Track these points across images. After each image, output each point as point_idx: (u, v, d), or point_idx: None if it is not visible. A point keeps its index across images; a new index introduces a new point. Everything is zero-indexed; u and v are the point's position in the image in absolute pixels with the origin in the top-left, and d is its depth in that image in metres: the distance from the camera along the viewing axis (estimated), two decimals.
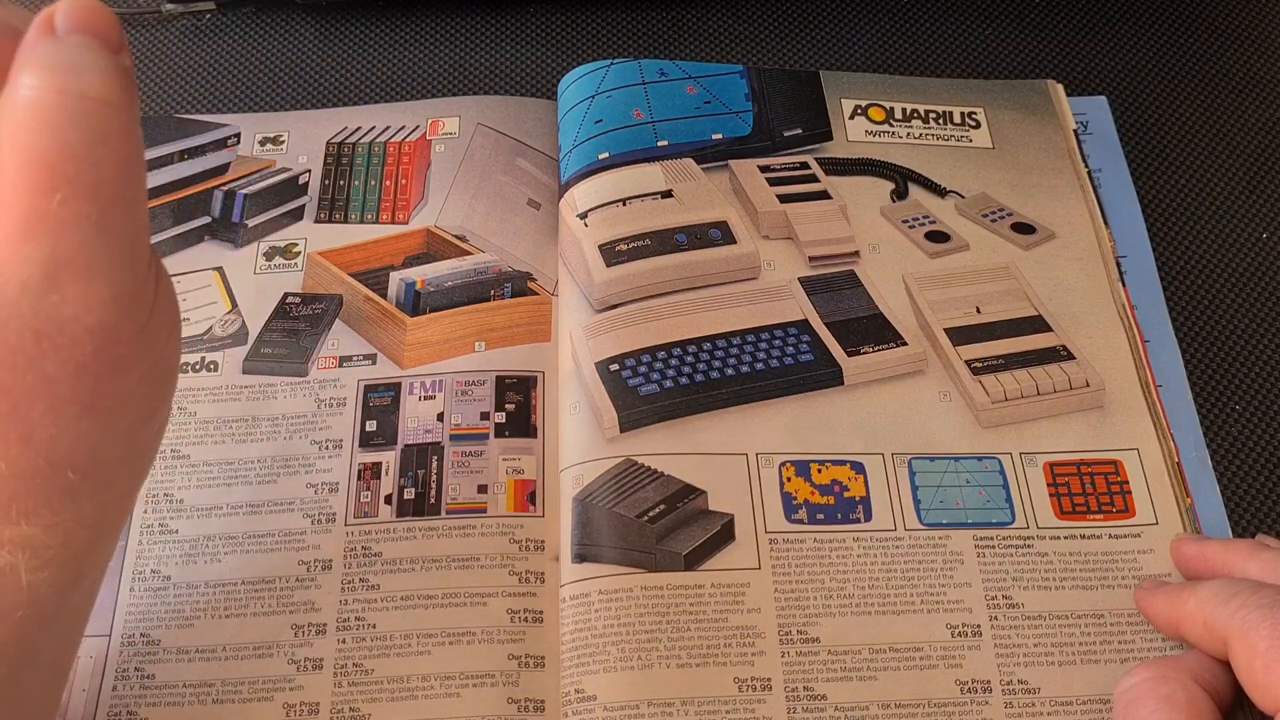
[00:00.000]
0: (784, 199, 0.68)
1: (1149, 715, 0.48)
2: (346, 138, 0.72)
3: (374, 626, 0.56)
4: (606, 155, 0.69)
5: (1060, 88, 0.74)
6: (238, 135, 0.73)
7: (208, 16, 0.80)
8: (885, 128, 0.72)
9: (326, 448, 0.61)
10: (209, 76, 0.77)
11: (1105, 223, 0.69)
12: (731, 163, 0.70)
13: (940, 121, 0.72)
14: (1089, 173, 0.70)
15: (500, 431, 0.62)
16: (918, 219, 0.69)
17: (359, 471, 0.61)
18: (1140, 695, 0.49)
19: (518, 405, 0.63)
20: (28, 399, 0.36)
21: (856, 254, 0.67)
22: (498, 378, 0.63)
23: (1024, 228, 0.68)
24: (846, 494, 0.59)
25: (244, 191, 0.70)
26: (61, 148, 0.36)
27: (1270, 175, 0.74)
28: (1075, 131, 0.72)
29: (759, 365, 0.63)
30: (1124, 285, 0.66)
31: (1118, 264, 0.67)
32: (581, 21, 0.80)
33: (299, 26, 0.80)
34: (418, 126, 0.73)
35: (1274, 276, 0.70)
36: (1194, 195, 0.73)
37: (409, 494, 0.60)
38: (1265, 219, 0.72)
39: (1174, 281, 0.69)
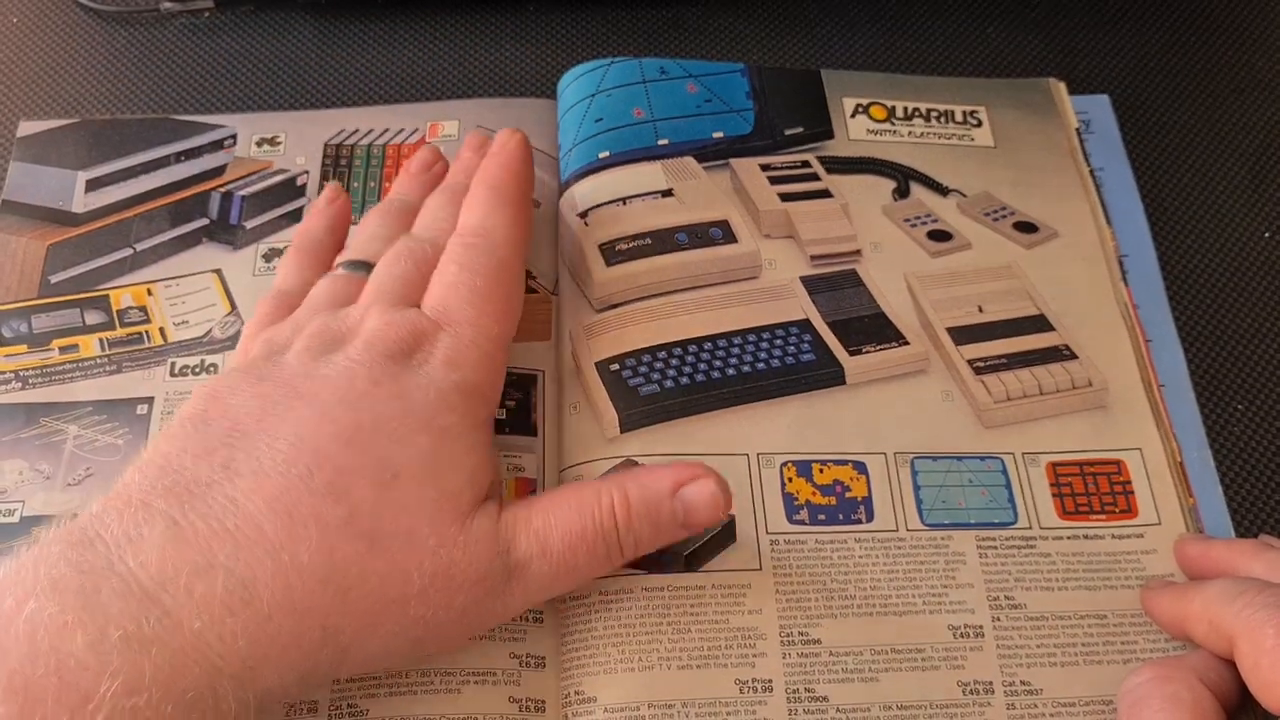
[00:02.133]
0: (785, 198, 0.68)
1: (1153, 715, 0.48)
2: (345, 140, 0.72)
3: None
4: (607, 154, 0.69)
5: (1062, 86, 0.74)
6: (234, 136, 0.73)
7: (206, 15, 0.80)
8: (887, 126, 0.72)
9: None
10: (206, 76, 0.77)
11: (1108, 221, 0.68)
12: (732, 161, 0.70)
13: (942, 120, 0.72)
14: (1091, 171, 0.70)
15: (500, 429, 0.61)
16: (919, 218, 0.68)
17: None
18: (1145, 695, 0.49)
19: (518, 403, 0.62)
20: None
21: (858, 253, 0.67)
22: None
23: (1026, 226, 0.68)
24: (848, 494, 0.59)
25: (241, 193, 0.70)
26: None
27: (1273, 174, 0.73)
28: (1077, 130, 0.72)
29: (760, 365, 0.62)
30: (1126, 285, 0.66)
31: (1120, 263, 0.67)
32: (581, 20, 0.79)
33: (298, 26, 0.79)
34: (416, 129, 0.73)
35: (1277, 276, 0.70)
36: (1197, 194, 0.73)
37: None
38: (1268, 218, 0.72)
39: (1177, 281, 0.69)
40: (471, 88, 0.76)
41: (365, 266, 0.59)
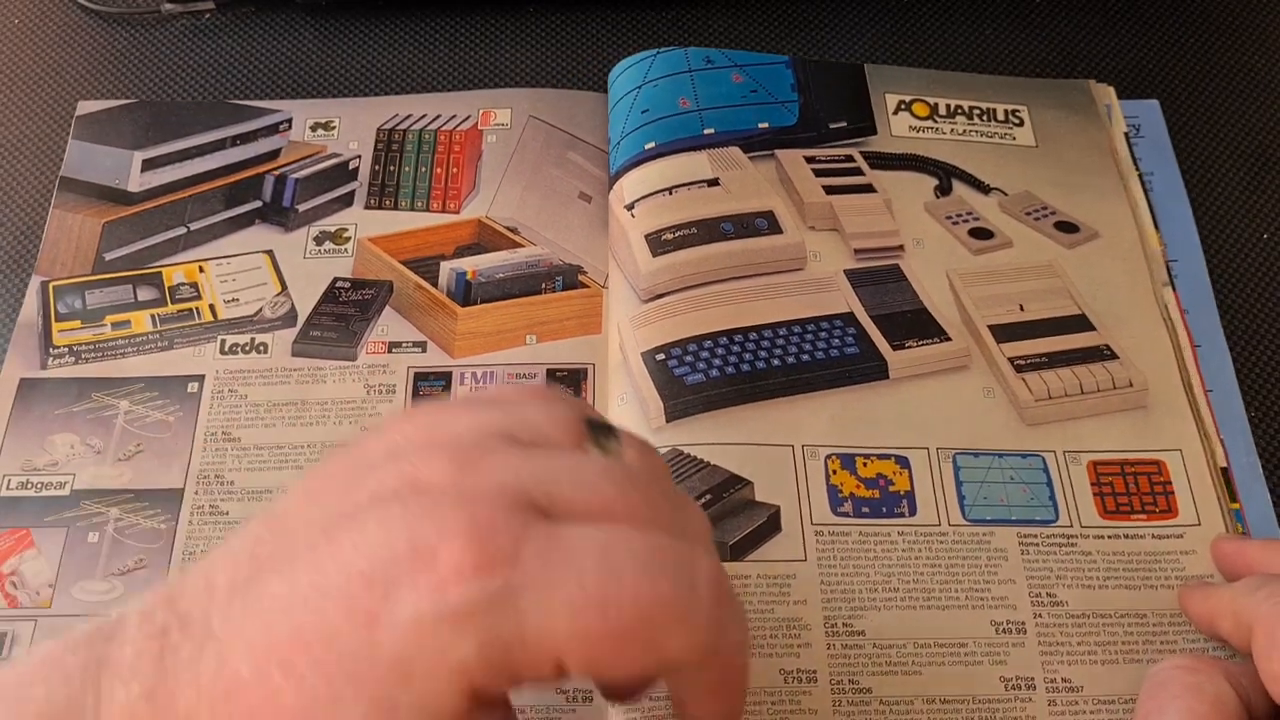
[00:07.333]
0: (829, 190, 0.69)
1: (1171, 699, 0.48)
2: (397, 125, 0.73)
3: None
4: (653, 145, 0.69)
5: (1105, 88, 0.75)
6: (289, 120, 0.73)
7: (207, 16, 0.80)
8: (929, 123, 0.72)
9: None
10: (207, 76, 0.77)
11: (1156, 226, 0.69)
12: (778, 152, 0.70)
13: (984, 119, 0.73)
14: (1140, 175, 0.71)
15: None
16: (961, 215, 0.69)
17: None
18: (1168, 679, 0.49)
19: None
20: None
21: (901, 248, 0.68)
22: (548, 370, 0.64)
23: (1067, 226, 0.69)
24: (891, 488, 0.60)
25: (295, 176, 0.71)
26: None
27: None
28: (1127, 134, 0.72)
29: (805, 356, 0.63)
30: (1174, 289, 0.67)
31: (1168, 267, 0.68)
32: (584, 19, 0.80)
33: (298, 27, 0.80)
34: (469, 116, 0.74)
35: None
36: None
37: None
38: None
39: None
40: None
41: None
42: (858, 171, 0.70)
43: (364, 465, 0.40)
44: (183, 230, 0.69)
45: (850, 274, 0.67)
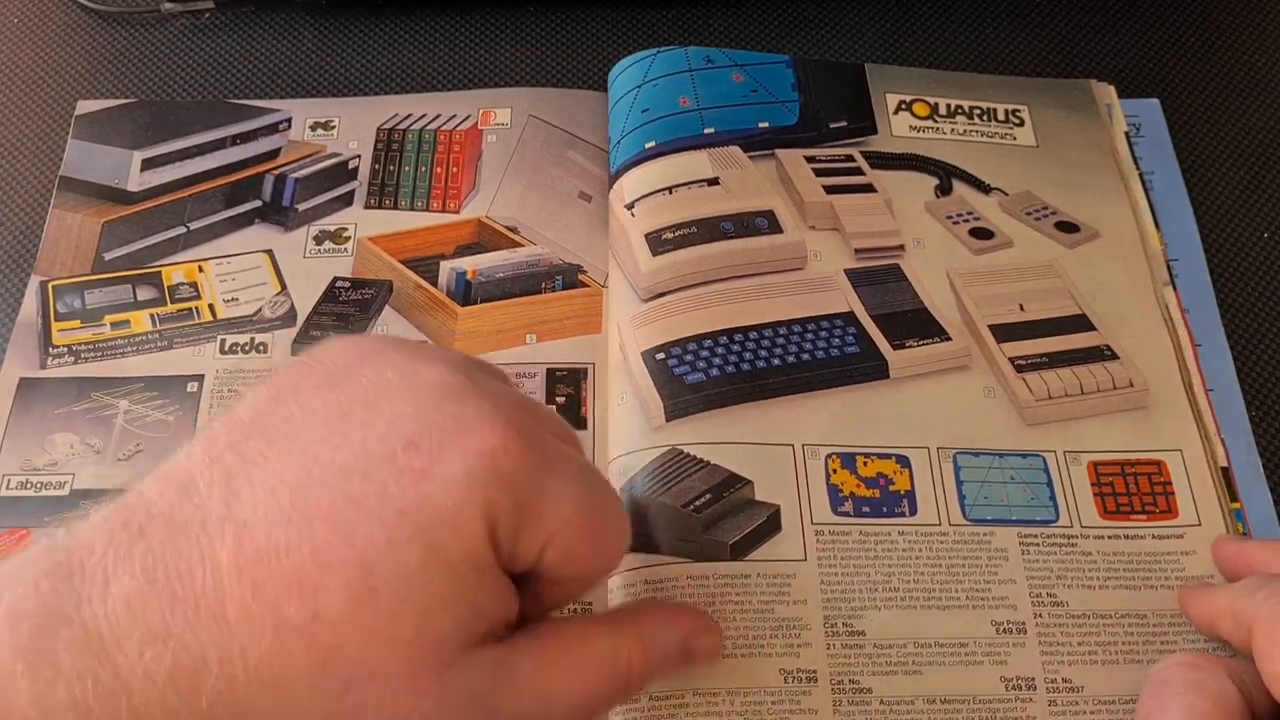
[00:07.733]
0: (830, 190, 0.69)
1: (1174, 696, 0.48)
2: (397, 124, 0.73)
3: None
4: (653, 144, 0.69)
5: (1105, 87, 0.75)
6: (289, 120, 0.73)
7: (206, 16, 0.80)
8: (929, 123, 0.72)
9: None
10: (207, 76, 0.77)
11: (1157, 225, 0.69)
12: (778, 152, 0.70)
13: (984, 118, 0.73)
14: (1141, 175, 0.71)
15: None
16: (962, 215, 0.69)
17: None
18: (1169, 677, 0.49)
19: (568, 398, 0.63)
20: None
21: (901, 247, 0.68)
22: (548, 370, 0.64)
23: (1068, 226, 0.69)
24: (892, 488, 0.60)
25: (295, 176, 0.71)
26: None
27: None
28: (1127, 134, 0.72)
29: (805, 356, 0.63)
30: (1175, 289, 0.67)
31: (1168, 267, 0.68)
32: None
33: (298, 26, 0.80)
34: (469, 116, 0.74)
35: None
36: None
37: None
38: None
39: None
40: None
41: None
42: (858, 171, 0.70)
43: (337, 368, 0.44)
44: (182, 230, 0.69)
45: (850, 273, 0.66)
